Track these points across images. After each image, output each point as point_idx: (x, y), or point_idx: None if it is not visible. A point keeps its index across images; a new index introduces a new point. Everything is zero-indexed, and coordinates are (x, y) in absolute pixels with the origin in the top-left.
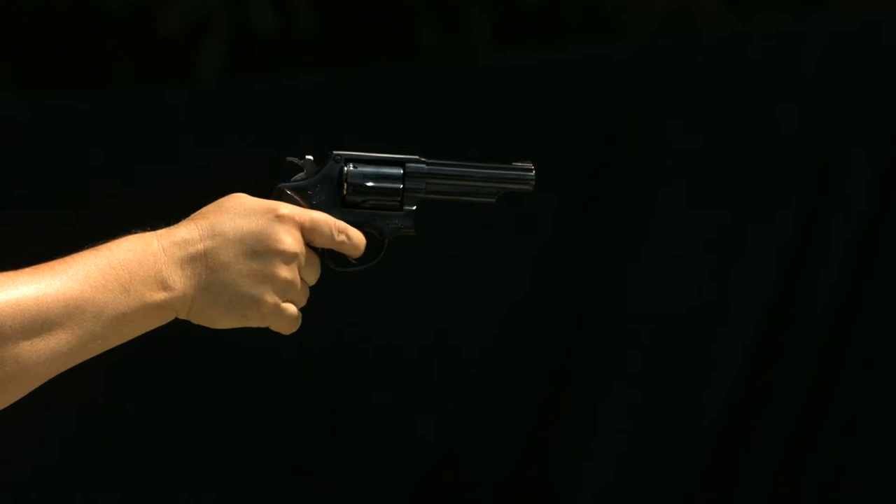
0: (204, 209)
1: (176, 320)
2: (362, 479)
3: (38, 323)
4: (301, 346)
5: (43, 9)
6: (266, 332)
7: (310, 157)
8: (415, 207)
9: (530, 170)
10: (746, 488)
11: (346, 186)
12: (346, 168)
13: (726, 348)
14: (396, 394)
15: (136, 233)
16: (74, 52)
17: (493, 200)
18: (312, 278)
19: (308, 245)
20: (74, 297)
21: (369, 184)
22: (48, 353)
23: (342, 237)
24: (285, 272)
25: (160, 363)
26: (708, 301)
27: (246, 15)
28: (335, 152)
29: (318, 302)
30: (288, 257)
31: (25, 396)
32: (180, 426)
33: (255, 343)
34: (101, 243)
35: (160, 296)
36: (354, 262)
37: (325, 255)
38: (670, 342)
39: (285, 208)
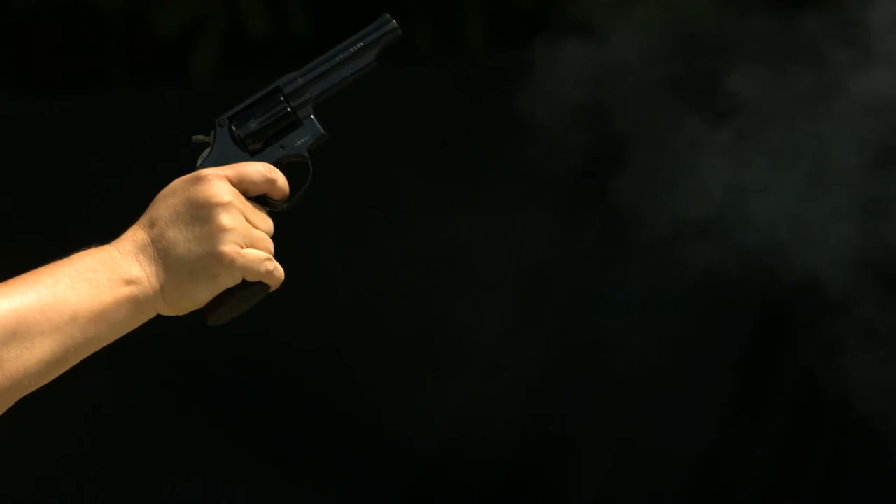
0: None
1: (174, 319)
2: (362, 480)
3: (19, 332)
4: (301, 346)
5: (39, 10)
6: (265, 331)
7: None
8: (312, 114)
9: (389, 20)
10: (746, 488)
11: (244, 140)
12: (233, 126)
13: (726, 348)
14: (396, 394)
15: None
16: (72, 52)
17: (375, 62)
18: (263, 223)
19: (246, 196)
20: (49, 304)
21: (260, 125)
22: (32, 362)
23: (273, 174)
24: (228, 220)
25: (160, 363)
26: (708, 301)
27: (240, 16)
28: (217, 119)
29: (317, 300)
30: (223, 205)
31: (25, 396)
32: (180, 426)
33: (255, 343)
34: (64, 257)
35: (127, 289)
36: (284, 200)
37: (262, 202)
38: (670, 340)
39: (207, 170)
